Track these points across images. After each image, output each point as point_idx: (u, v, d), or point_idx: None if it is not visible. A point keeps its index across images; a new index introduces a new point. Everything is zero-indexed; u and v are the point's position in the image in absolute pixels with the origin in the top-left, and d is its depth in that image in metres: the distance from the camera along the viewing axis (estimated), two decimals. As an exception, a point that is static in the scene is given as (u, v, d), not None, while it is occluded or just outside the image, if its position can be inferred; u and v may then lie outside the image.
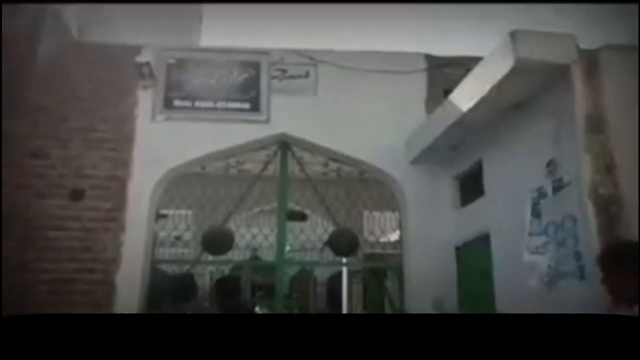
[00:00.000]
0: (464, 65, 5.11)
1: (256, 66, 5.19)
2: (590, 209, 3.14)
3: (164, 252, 5.59)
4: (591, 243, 3.08)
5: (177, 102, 5.06)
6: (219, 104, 5.07)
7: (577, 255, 3.18)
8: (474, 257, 4.52)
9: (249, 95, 5.11)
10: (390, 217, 5.81)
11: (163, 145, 4.91)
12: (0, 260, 4.33)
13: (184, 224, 5.80)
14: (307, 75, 5.20)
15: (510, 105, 3.87)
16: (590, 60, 3.39)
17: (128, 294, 4.51)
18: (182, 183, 5.47)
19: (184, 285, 4.32)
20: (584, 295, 3.07)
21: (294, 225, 5.84)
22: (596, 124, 3.27)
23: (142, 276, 4.67)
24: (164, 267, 5.69)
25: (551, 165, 3.45)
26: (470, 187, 4.67)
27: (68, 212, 4.67)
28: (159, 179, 4.92)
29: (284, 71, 5.19)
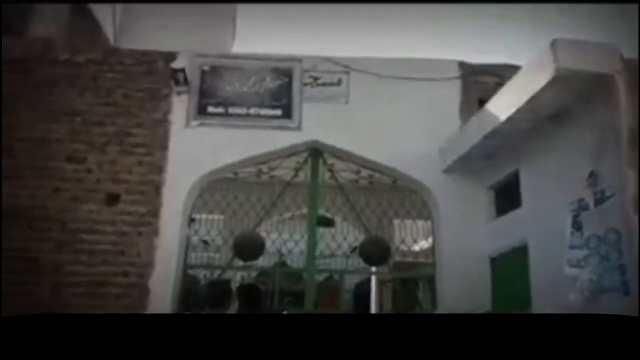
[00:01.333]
0: (499, 73, 5.04)
1: (288, 73, 5.21)
2: (634, 222, 3.03)
3: (196, 257, 5.64)
4: (636, 258, 2.97)
5: (210, 109, 5.11)
6: (252, 111, 5.10)
7: (622, 269, 3.07)
8: (510, 268, 4.41)
9: (281, 102, 5.12)
10: (422, 225, 5.72)
11: (196, 150, 4.95)
12: (1, 260, 4.41)
13: (215, 229, 5.83)
14: (339, 82, 5.19)
15: (548, 116, 3.78)
16: (635, 70, 3.28)
17: (161, 298, 4.56)
18: (215, 188, 5.52)
19: (220, 290, 4.34)
20: (628, 311, 2.95)
21: (324, 232, 5.81)
22: (640, 138, 3.15)
23: (175, 280, 4.72)
24: (196, 273, 5.75)
25: (592, 177, 3.35)
26: (506, 197, 4.57)
27: (103, 216, 4.75)
28: (192, 184, 4.97)
29: (316, 78, 5.19)
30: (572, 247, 3.43)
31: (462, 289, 4.72)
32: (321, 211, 5.70)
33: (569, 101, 3.56)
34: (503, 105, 3.90)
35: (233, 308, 6.10)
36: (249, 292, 4.93)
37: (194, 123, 5.06)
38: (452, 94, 5.19)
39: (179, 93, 5.10)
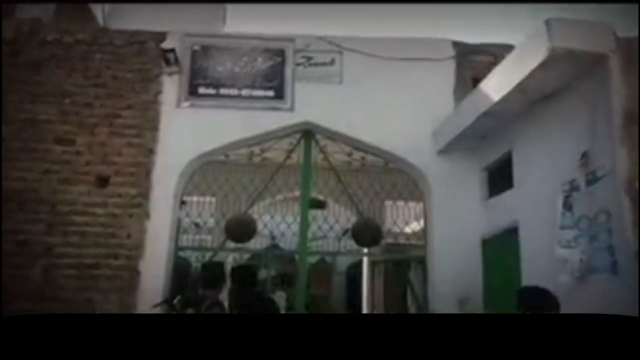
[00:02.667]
0: (493, 52, 5.01)
1: (281, 53, 5.14)
2: (625, 203, 3.04)
3: (188, 239, 5.63)
4: (626, 238, 2.99)
5: (201, 90, 5.04)
6: (244, 92, 5.04)
7: (610, 250, 3.09)
8: (501, 250, 4.44)
9: (273, 82, 5.06)
10: (414, 207, 5.74)
11: (187, 132, 4.90)
12: (1, 258, 4.37)
13: (207, 211, 5.82)
14: (332, 62, 5.13)
15: (542, 96, 3.76)
16: (629, 50, 3.26)
17: (153, 280, 4.55)
18: (206, 170, 5.48)
19: (214, 272, 4.34)
20: (617, 291, 2.99)
21: (316, 214, 5.81)
22: (633, 116, 3.15)
23: (166, 262, 4.71)
24: (187, 255, 5.75)
25: (585, 157, 3.34)
26: (499, 178, 4.57)
27: (93, 198, 4.71)
28: (184, 166, 4.92)
29: (309, 58, 5.12)
30: (562, 227, 3.44)
31: (454, 271, 4.76)
32: (313, 193, 5.69)
33: (563, 81, 3.54)
34: (497, 85, 3.88)
35: (226, 289, 6.12)
36: (243, 273, 4.94)
37: (184, 104, 5.00)
38: (446, 74, 5.15)
39: (169, 74, 5.03)
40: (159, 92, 5.00)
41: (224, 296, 5.35)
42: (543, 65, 3.34)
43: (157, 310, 4.46)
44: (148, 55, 5.09)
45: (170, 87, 5.04)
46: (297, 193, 5.79)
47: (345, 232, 5.91)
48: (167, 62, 4.98)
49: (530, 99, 3.82)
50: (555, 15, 3.32)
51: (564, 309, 3.28)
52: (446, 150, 4.89)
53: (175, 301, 4.57)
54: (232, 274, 4.98)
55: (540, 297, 3.07)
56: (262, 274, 6.86)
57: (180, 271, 5.03)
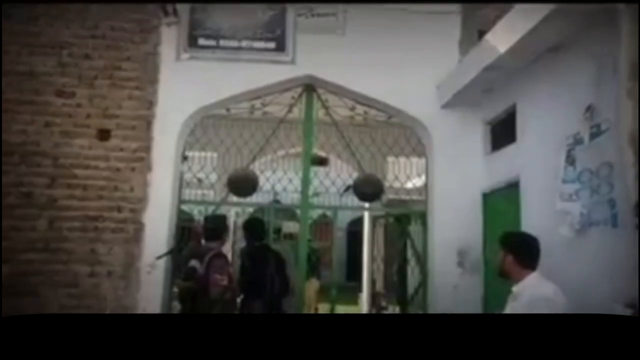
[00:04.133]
0: (500, 5, 4.88)
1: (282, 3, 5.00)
2: (628, 156, 3.02)
3: (190, 194, 5.66)
4: (627, 191, 2.99)
5: (201, 41, 4.94)
6: (244, 43, 4.94)
7: (611, 203, 3.10)
8: (502, 204, 4.47)
9: (275, 34, 4.96)
10: (416, 163, 5.73)
11: (188, 85, 4.84)
12: (1, 256, 4.40)
13: (209, 166, 5.82)
14: (335, 14, 5.01)
15: (549, 48, 3.69)
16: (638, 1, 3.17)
17: (156, 233, 4.62)
18: (207, 125, 5.45)
19: (216, 225, 4.40)
20: (616, 243, 3.02)
21: (318, 170, 5.82)
22: (641, 69, 3.09)
23: (170, 216, 4.75)
24: (190, 209, 5.80)
25: (589, 111, 3.31)
26: (503, 132, 4.55)
27: (95, 151, 4.70)
28: (184, 119, 4.90)
29: (311, 8, 5.00)
30: (564, 181, 3.44)
31: (454, 225, 4.81)
32: (315, 149, 5.68)
33: (570, 33, 3.45)
34: (503, 37, 3.80)
35: (229, 241, 6.22)
36: (254, 225, 5.02)
37: (184, 56, 4.92)
38: (451, 27, 5.04)
39: (168, 24, 4.93)
40: (158, 44, 4.90)
41: (227, 248, 5.47)
42: (549, 17, 3.26)
43: (161, 261, 4.55)
44: (146, 6, 4.96)
45: (170, 38, 4.94)
46: (298, 149, 5.76)
47: (347, 188, 5.93)
48: (166, 13, 4.87)
49: (536, 51, 3.75)
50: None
51: (564, 261, 3.34)
52: (450, 104, 4.84)
53: (174, 251, 4.65)
54: (246, 226, 5.08)
55: (521, 239, 3.16)
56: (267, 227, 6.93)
57: (183, 226, 5.10)
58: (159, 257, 4.51)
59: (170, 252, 4.61)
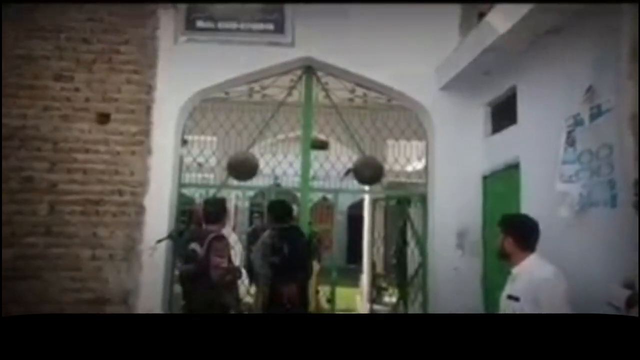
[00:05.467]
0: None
1: (281, -18, 4.94)
2: (628, 137, 3.02)
3: (190, 178, 5.67)
4: (627, 172, 3.00)
5: (199, 23, 4.90)
6: (242, 25, 4.90)
7: (611, 184, 3.10)
8: (501, 186, 4.47)
9: (273, 15, 4.91)
10: (416, 146, 5.73)
11: (186, 68, 4.81)
12: (1, 254, 4.40)
13: (209, 149, 5.82)
14: (335, -5, 4.95)
15: (548, 29, 3.66)
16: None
17: (157, 216, 4.64)
18: (207, 109, 5.44)
19: (216, 207, 4.42)
20: (615, 224, 3.03)
21: (318, 154, 5.82)
22: (641, 49, 3.07)
23: (170, 199, 4.77)
24: (191, 192, 5.81)
25: (590, 91, 3.29)
26: (503, 114, 4.53)
27: (95, 135, 4.70)
28: (184, 103, 4.89)
29: (311, -7, 4.94)
30: (564, 162, 3.44)
31: (454, 208, 4.83)
32: (314, 132, 5.67)
33: (571, 13, 3.43)
34: (503, 18, 3.76)
35: (229, 224, 6.24)
36: (282, 206, 4.99)
37: (182, 39, 4.88)
38: (451, 8, 5.00)
39: (165, 7, 4.88)
40: (156, 27, 4.86)
41: (228, 230, 5.49)
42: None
43: (162, 245, 4.56)
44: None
45: (168, 21, 4.90)
46: (298, 132, 5.76)
47: (348, 172, 5.93)
48: (164, -1, 4.82)
49: (536, 32, 3.72)
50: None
51: (563, 242, 3.36)
52: (449, 87, 4.82)
53: (175, 234, 4.67)
54: (270, 208, 5.02)
55: (520, 222, 3.18)
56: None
57: (184, 208, 5.12)
58: (159, 241, 4.54)
59: (170, 236, 4.64)
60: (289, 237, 4.66)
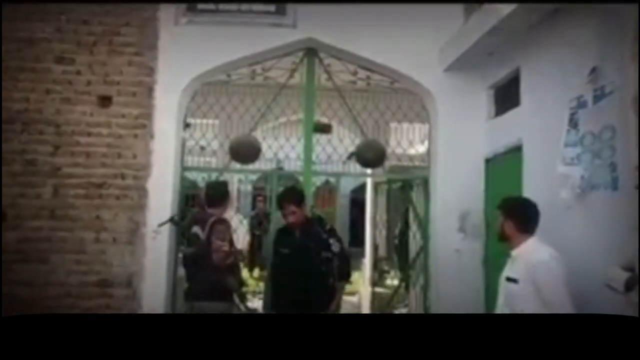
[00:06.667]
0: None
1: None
2: (631, 119, 3.00)
3: (193, 161, 5.67)
4: (629, 154, 2.98)
5: (200, 5, 4.85)
6: (243, 6, 4.85)
7: (613, 166, 3.09)
8: (504, 169, 4.46)
9: (275, -5, 4.85)
10: (419, 128, 5.71)
11: (187, 50, 4.77)
12: (1, 253, 4.40)
13: (211, 132, 5.81)
14: (337, -24, 4.89)
15: (553, 9, 3.61)
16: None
17: (160, 199, 4.65)
18: (208, 92, 5.42)
19: (218, 190, 4.42)
20: (616, 206, 3.03)
21: (320, 137, 5.81)
22: (646, 30, 3.03)
23: (173, 182, 4.78)
24: (193, 176, 5.82)
25: (594, 73, 3.26)
26: (506, 96, 4.51)
27: (97, 118, 4.69)
28: (185, 85, 4.85)
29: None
30: (566, 145, 3.43)
31: (456, 191, 4.82)
32: (317, 115, 5.65)
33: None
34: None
35: (231, 207, 6.25)
36: (292, 193, 4.62)
37: (183, 20, 4.83)
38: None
39: (166, -12, 4.83)
40: (156, 9, 4.82)
41: (230, 214, 5.50)
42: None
43: (166, 228, 4.59)
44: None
45: (169, 2, 4.85)
46: (300, 115, 5.74)
47: (350, 155, 5.91)
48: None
49: (540, 14, 3.68)
50: None
51: (564, 224, 3.36)
52: (453, 68, 4.77)
53: (176, 218, 4.67)
54: (281, 196, 4.57)
55: (520, 205, 3.19)
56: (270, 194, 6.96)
57: (187, 191, 5.13)
58: (161, 225, 4.56)
59: (171, 220, 4.65)
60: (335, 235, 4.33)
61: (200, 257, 4.09)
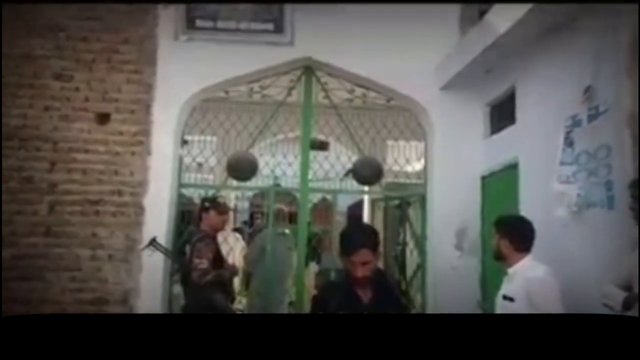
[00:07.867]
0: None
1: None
2: (626, 137, 3.02)
3: (190, 178, 5.66)
4: (624, 172, 3.00)
5: (199, 22, 4.88)
6: (242, 25, 4.90)
7: (608, 185, 3.11)
8: (500, 186, 4.48)
9: (273, 15, 4.90)
10: (416, 146, 5.72)
11: (186, 68, 4.80)
12: (1, 252, 4.41)
13: (209, 149, 5.81)
14: (334, -4, 4.95)
15: (548, 28, 3.66)
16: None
17: (157, 216, 4.63)
18: (206, 109, 5.43)
19: (211, 200, 4.46)
20: (612, 225, 3.04)
21: (317, 154, 5.81)
22: (640, 49, 3.07)
23: (170, 199, 4.77)
24: (190, 193, 5.81)
25: (588, 92, 3.30)
26: (502, 114, 4.54)
27: (94, 135, 4.69)
28: (183, 102, 4.88)
29: (311, -9, 4.93)
30: (562, 163, 3.44)
31: (453, 208, 4.82)
32: (314, 132, 5.66)
33: (572, 12, 3.43)
34: (503, 16, 3.76)
35: (228, 225, 6.23)
36: (366, 234, 4.46)
37: (182, 38, 4.87)
38: (451, 6, 4.99)
39: (165, 6, 4.88)
40: (155, 26, 4.86)
41: (227, 231, 5.49)
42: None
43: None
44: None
45: (167, 20, 4.89)
46: (298, 133, 5.75)
47: (348, 172, 5.92)
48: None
49: (536, 32, 3.73)
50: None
51: (561, 242, 3.36)
52: (449, 86, 4.82)
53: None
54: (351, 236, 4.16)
55: (515, 223, 3.19)
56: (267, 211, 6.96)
57: (184, 208, 5.12)
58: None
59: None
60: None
61: (188, 275, 4.14)
